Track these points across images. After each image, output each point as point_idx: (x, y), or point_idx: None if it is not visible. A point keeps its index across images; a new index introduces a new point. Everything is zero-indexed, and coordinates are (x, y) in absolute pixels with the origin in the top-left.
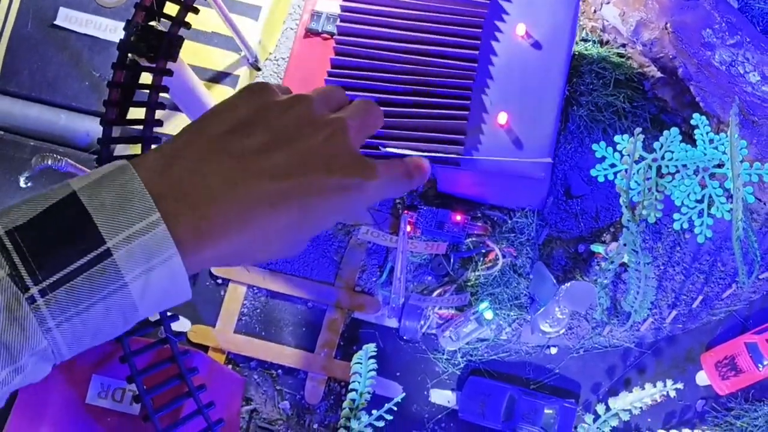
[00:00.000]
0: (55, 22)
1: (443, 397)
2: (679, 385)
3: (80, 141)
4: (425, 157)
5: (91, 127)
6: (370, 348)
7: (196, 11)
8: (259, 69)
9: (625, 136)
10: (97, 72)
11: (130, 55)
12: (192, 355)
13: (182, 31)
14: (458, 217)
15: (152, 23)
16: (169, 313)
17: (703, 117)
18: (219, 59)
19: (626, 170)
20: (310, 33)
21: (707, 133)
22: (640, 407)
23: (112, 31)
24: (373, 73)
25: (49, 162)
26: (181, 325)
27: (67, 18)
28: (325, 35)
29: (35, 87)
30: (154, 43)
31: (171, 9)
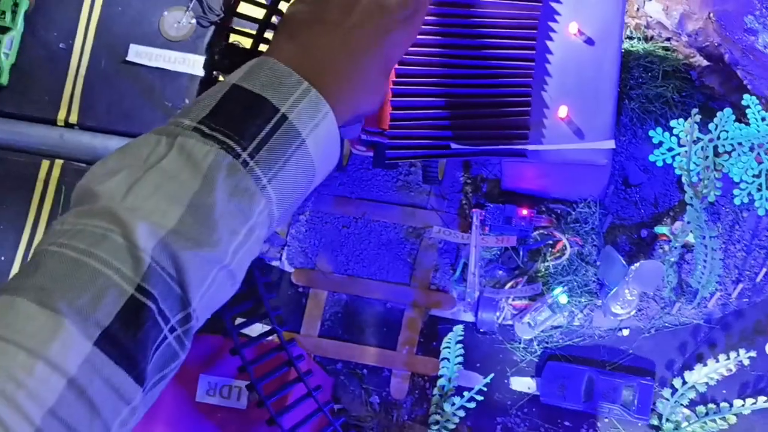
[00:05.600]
0: (126, 58)
1: (523, 384)
2: (753, 353)
3: None
4: (492, 150)
5: None
6: (459, 329)
7: (274, 27)
8: None
9: (680, 120)
10: (169, 102)
11: (214, 72)
12: (295, 344)
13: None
14: (525, 212)
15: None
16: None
17: (753, 97)
18: None
19: (686, 151)
20: None
21: (759, 111)
22: (716, 378)
23: (181, 62)
24: (435, 79)
25: None
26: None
27: (137, 53)
28: None
29: (112, 120)
30: (237, 59)
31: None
